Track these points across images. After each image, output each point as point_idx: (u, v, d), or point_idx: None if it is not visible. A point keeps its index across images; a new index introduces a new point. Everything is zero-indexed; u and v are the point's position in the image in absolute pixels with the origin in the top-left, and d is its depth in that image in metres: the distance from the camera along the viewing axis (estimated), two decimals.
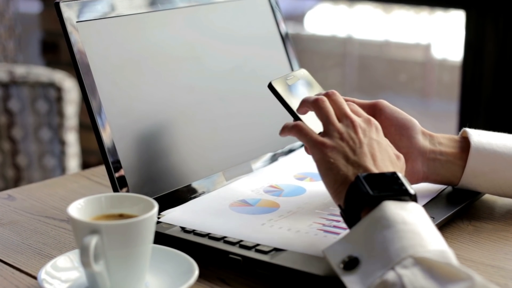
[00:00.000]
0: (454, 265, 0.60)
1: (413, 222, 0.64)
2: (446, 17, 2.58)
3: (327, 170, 0.71)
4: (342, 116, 0.75)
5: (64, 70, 2.23)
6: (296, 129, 0.76)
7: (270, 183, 0.90)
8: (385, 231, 0.63)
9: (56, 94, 2.09)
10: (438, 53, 2.68)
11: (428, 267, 0.60)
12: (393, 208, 0.65)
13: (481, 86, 1.89)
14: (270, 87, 0.85)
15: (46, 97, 2.09)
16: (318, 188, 0.88)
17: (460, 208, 0.83)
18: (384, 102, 0.85)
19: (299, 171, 0.95)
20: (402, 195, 0.67)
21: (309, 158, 0.99)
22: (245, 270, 0.72)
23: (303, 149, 1.02)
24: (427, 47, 2.72)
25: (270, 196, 0.86)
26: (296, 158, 0.99)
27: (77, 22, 0.81)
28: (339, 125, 0.74)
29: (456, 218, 0.85)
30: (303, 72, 0.90)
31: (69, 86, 2.11)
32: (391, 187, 0.67)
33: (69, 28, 0.80)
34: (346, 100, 0.80)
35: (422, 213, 0.67)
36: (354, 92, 2.92)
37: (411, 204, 0.67)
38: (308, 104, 0.77)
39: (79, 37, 0.81)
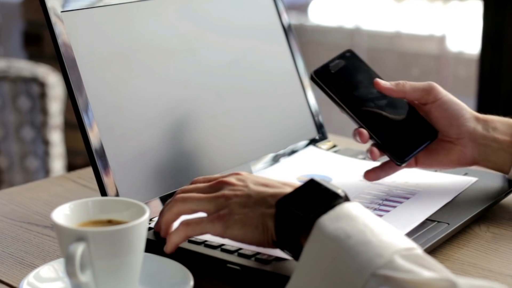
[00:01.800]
0: (423, 274, 0.58)
1: (356, 231, 0.62)
2: (462, 6, 2.58)
3: (242, 228, 0.69)
4: (212, 187, 0.73)
5: (48, 64, 2.24)
6: (184, 228, 0.72)
7: None
8: (333, 255, 0.61)
9: (39, 90, 2.09)
10: (453, 45, 2.68)
11: (395, 283, 0.58)
12: (329, 224, 0.63)
13: (500, 81, 1.89)
14: (312, 78, 0.89)
15: (29, 93, 2.10)
16: None
17: (477, 213, 0.84)
18: (436, 86, 0.88)
19: (302, 173, 0.95)
20: (333, 200, 0.65)
21: (313, 159, 1.00)
22: (244, 281, 0.72)
23: (306, 150, 1.03)
24: (441, 39, 2.72)
25: None
26: (300, 159, 1.00)
27: (62, 12, 0.81)
28: (217, 193, 0.72)
29: (473, 224, 0.85)
30: (348, 53, 0.92)
31: (53, 81, 2.11)
32: (317, 199, 0.66)
33: (53, 19, 0.80)
34: (398, 85, 0.87)
35: (358, 214, 0.64)
36: None
37: (345, 207, 0.64)
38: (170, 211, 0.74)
39: (64, 28, 0.81)
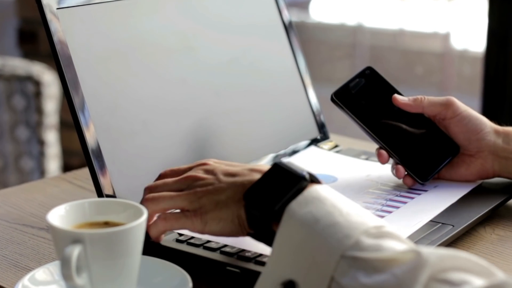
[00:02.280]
0: (390, 249, 0.59)
1: (324, 213, 0.63)
2: (467, 3, 2.58)
3: (219, 224, 0.71)
4: (182, 183, 0.74)
5: (43, 62, 2.23)
6: (162, 222, 0.74)
7: None
8: (304, 240, 0.62)
9: (34, 89, 2.09)
10: (458, 43, 2.68)
11: (364, 263, 0.59)
12: (298, 210, 0.64)
13: (505, 79, 1.89)
14: (333, 100, 0.91)
15: (23, 92, 2.09)
16: None
17: (482, 215, 0.84)
18: (455, 101, 0.90)
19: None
20: (298, 184, 0.66)
21: (315, 160, 1.00)
22: (244, 284, 0.72)
23: (308, 150, 1.03)
24: (446, 37, 2.72)
25: None
26: (302, 160, 1.00)
27: (57, 8, 0.81)
28: (189, 191, 0.73)
29: (478, 226, 0.85)
30: (368, 71, 0.94)
31: (49, 79, 2.11)
32: (283, 185, 0.67)
33: (49, 16, 0.80)
34: (416, 100, 0.90)
35: (327, 195, 0.65)
36: None
37: (313, 190, 0.66)
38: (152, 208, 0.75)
39: (59, 26, 0.81)
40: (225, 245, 0.75)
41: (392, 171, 0.91)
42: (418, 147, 0.91)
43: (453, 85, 2.73)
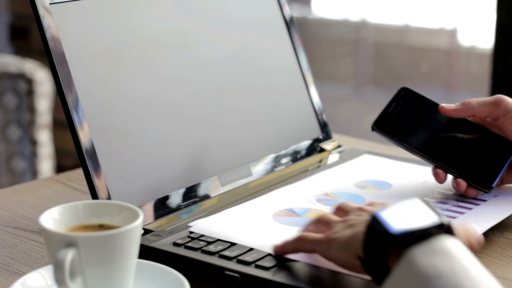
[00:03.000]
0: None
1: (449, 271, 0.58)
2: None
3: (339, 246, 0.68)
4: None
5: (36, 59, 2.24)
6: (298, 243, 0.72)
7: (325, 191, 0.91)
8: None
9: (26, 87, 2.09)
10: (465, 39, 2.68)
11: None
12: (420, 257, 0.59)
13: None
14: (374, 130, 0.91)
15: (15, 90, 2.10)
16: (380, 198, 0.88)
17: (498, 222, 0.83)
18: (505, 98, 0.88)
19: (361, 178, 0.95)
20: (433, 228, 0.62)
21: (369, 166, 0.99)
22: None
23: (362, 157, 1.02)
24: (452, 33, 2.72)
25: (322, 205, 0.87)
26: (360, 164, 1.00)
27: (50, 4, 0.81)
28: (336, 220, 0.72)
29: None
30: (403, 92, 0.93)
31: (42, 77, 2.11)
32: (417, 218, 0.62)
33: (42, 11, 0.80)
34: (464, 103, 0.89)
35: (457, 253, 0.60)
36: (368, 84, 2.92)
37: (443, 242, 0.61)
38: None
39: (52, 22, 0.81)
40: (224, 249, 0.75)
41: (452, 185, 0.89)
42: (474, 156, 0.89)
43: (460, 83, 2.74)
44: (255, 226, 0.81)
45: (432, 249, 0.60)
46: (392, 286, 0.60)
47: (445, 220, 0.62)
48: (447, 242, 0.61)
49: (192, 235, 0.79)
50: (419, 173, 0.96)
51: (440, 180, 0.89)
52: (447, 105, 0.90)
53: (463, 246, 0.61)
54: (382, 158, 1.03)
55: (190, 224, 0.82)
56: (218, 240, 0.77)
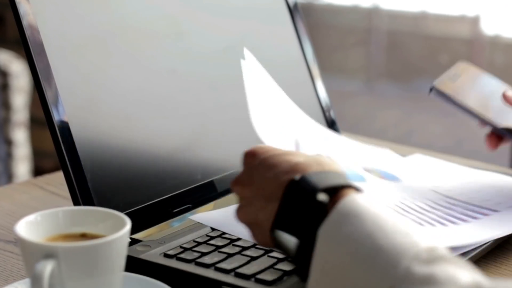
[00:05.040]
0: (448, 281, 0.57)
1: (364, 235, 0.62)
2: None
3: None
4: None
5: (11, 50, 2.24)
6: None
7: None
8: (345, 272, 0.62)
9: (0, 81, 2.09)
10: (489, 27, 2.68)
11: None
12: (333, 231, 0.63)
13: None
14: (435, 90, 0.96)
15: None
16: (381, 186, 0.90)
17: None
18: None
19: (374, 165, 0.97)
20: (316, 202, 0.65)
21: (423, 166, 1.03)
22: None
23: (413, 156, 1.05)
24: (475, 20, 2.72)
25: None
26: (410, 166, 1.02)
27: None
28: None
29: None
30: (463, 66, 1.00)
31: (17, 70, 2.11)
32: (305, 209, 0.66)
33: None
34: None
35: (364, 209, 0.64)
36: (381, 78, 2.92)
37: (346, 203, 0.64)
38: None
39: (30, 8, 0.81)
40: (220, 261, 0.75)
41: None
42: None
43: None
44: None
45: (338, 217, 0.63)
46: (317, 271, 0.63)
47: (322, 184, 0.66)
48: (350, 201, 0.64)
49: (185, 245, 0.79)
50: (476, 176, 1.00)
51: (492, 146, 0.96)
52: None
53: (367, 197, 0.65)
54: (436, 159, 1.06)
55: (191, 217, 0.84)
56: (214, 250, 0.77)
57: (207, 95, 0.94)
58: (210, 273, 0.74)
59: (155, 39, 0.91)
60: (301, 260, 0.66)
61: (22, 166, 2.16)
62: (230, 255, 0.77)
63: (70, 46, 0.83)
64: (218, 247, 0.79)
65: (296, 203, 0.66)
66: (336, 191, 0.66)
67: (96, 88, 0.84)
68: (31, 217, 0.68)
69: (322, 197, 0.65)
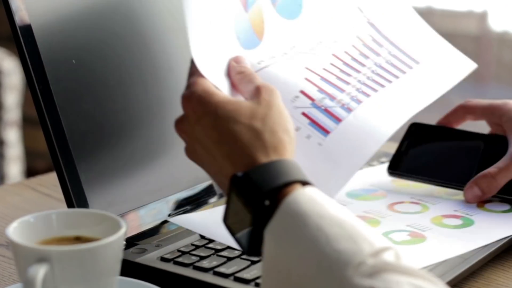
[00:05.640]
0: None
1: (306, 240, 0.62)
2: None
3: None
4: None
5: (3, 47, 2.24)
6: None
7: None
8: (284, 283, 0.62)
9: None
10: (496, 24, 2.68)
11: None
12: (277, 236, 0.63)
13: None
14: (391, 174, 0.98)
15: None
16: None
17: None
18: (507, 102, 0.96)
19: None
20: (260, 204, 0.65)
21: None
22: None
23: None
24: (482, 16, 2.72)
25: None
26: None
27: None
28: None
29: None
30: (413, 128, 1.01)
31: (9, 67, 2.11)
32: (249, 210, 0.66)
33: None
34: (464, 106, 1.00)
35: (308, 208, 0.63)
36: None
37: (289, 203, 0.64)
38: None
39: (22, 3, 0.81)
40: (219, 265, 0.75)
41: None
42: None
43: (491, 74, 2.74)
44: None
45: (281, 220, 0.63)
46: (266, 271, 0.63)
47: (266, 183, 0.65)
48: (293, 200, 0.63)
49: (182, 248, 0.79)
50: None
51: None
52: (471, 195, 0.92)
53: (313, 193, 0.64)
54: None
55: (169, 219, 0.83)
56: (213, 254, 0.77)
57: None
58: (208, 278, 0.74)
59: (153, 35, 0.91)
60: (254, 253, 0.66)
61: (14, 166, 2.16)
62: (229, 259, 0.77)
63: (63, 42, 0.83)
64: (217, 251, 0.79)
65: (241, 203, 0.66)
66: (281, 189, 0.65)
67: (90, 84, 0.84)
68: (23, 220, 0.68)
69: (267, 201, 0.65)
